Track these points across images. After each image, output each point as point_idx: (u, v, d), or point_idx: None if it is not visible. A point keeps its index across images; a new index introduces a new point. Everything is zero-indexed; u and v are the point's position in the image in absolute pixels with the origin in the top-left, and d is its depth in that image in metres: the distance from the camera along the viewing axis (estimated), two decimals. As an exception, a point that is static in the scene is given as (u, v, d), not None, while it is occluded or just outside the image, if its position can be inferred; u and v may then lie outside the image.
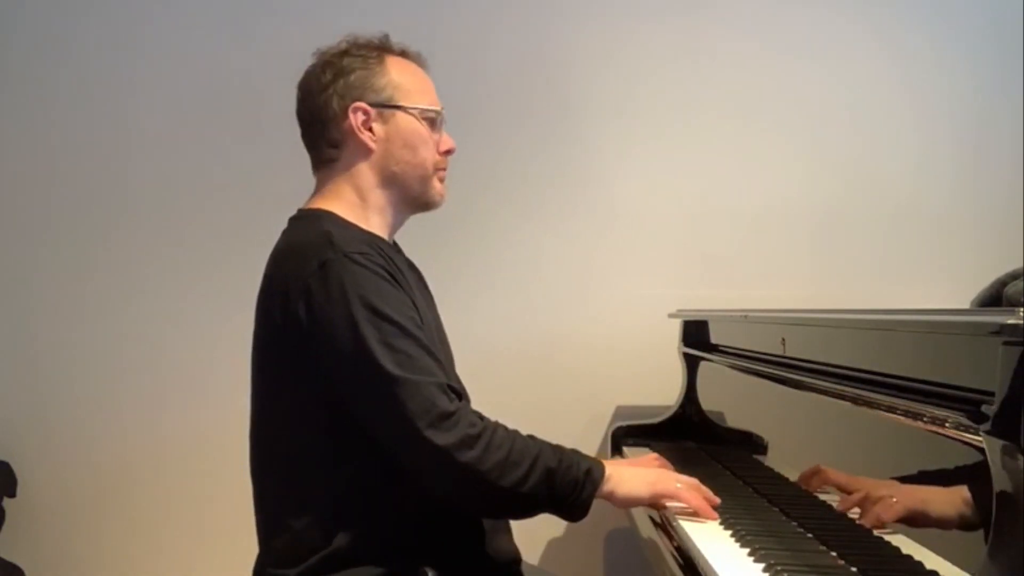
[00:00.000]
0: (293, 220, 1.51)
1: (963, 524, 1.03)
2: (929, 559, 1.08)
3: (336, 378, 1.35)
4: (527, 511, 1.40)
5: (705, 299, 2.46)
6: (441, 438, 1.29)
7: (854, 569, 1.21)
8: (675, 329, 2.39)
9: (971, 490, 1.00)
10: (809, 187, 2.61)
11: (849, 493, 1.31)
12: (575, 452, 1.41)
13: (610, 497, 1.41)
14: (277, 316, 1.38)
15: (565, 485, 1.35)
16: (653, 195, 2.59)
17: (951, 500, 1.06)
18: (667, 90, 2.60)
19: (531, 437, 1.39)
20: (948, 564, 1.04)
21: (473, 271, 2.56)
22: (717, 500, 1.48)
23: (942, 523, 1.09)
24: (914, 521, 1.14)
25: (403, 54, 1.55)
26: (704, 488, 1.49)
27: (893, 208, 2.61)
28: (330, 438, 1.39)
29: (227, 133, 2.55)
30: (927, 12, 2.62)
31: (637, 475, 1.46)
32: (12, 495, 2.49)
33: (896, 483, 1.21)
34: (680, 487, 1.46)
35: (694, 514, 1.45)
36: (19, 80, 2.58)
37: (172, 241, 2.57)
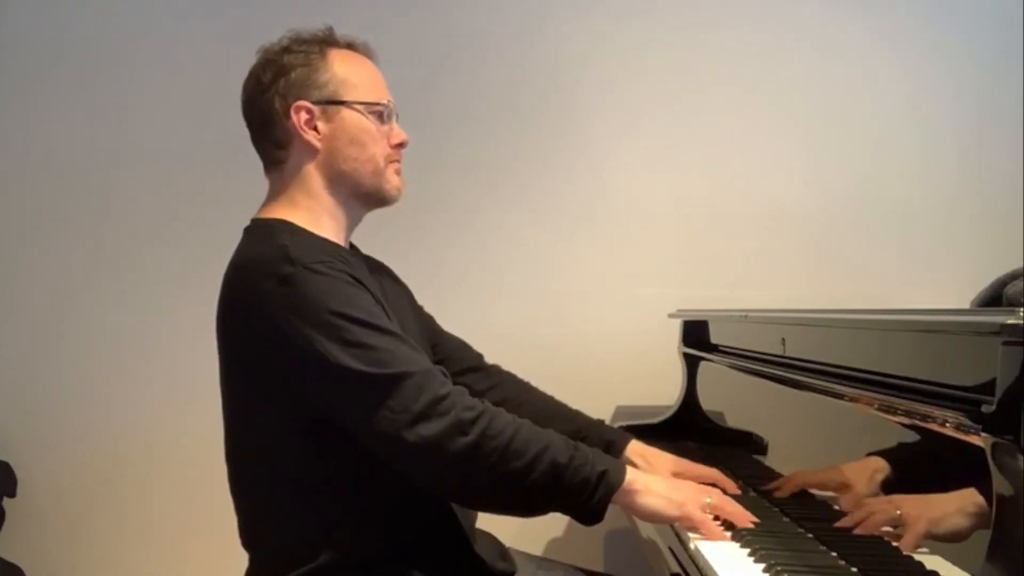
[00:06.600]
0: (248, 231, 1.45)
1: (963, 524, 1.03)
2: (929, 559, 1.08)
3: (312, 390, 1.30)
4: (531, 508, 1.32)
5: (705, 299, 2.46)
6: (429, 428, 1.23)
7: (854, 569, 1.21)
8: (675, 329, 2.38)
9: (971, 490, 1.00)
10: (810, 187, 2.60)
11: (836, 490, 1.30)
12: (594, 452, 1.32)
13: (631, 507, 1.33)
14: (240, 333, 1.35)
15: (574, 484, 1.27)
16: (653, 194, 2.59)
17: (951, 502, 1.06)
18: (668, 88, 2.60)
19: (548, 431, 1.31)
20: (948, 564, 1.04)
21: (471, 272, 2.56)
22: (749, 520, 1.40)
23: (945, 528, 1.09)
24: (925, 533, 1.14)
25: (349, 47, 1.49)
26: (733, 505, 1.41)
27: (893, 208, 2.61)
28: (307, 448, 1.34)
29: (218, 132, 2.50)
30: (930, 11, 2.62)
31: (665, 489, 1.36)
32: (12, 495, 2.49)
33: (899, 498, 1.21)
34: (709, 507, 1.37)
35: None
36: (4, 80, 2.58)
37: (175, 241, 2.56)
